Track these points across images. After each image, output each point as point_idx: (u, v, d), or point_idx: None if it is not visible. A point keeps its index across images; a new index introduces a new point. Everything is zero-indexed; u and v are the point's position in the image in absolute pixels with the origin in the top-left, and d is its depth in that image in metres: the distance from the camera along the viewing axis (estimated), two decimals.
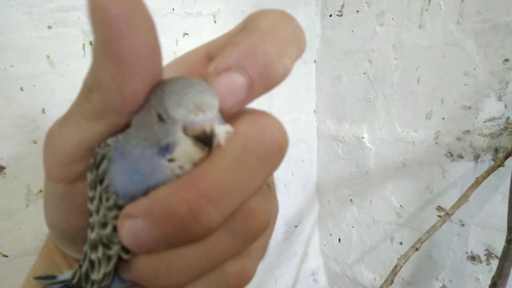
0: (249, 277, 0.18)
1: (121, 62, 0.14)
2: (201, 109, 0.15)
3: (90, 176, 0.17)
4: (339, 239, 1.05)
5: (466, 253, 0.80)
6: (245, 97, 0.16)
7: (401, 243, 0.92)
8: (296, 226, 1.02)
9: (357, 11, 0.87)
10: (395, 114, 0.86)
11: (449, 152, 0.79)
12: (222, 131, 0.15)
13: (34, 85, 0.48)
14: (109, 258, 0.17)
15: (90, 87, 0.15)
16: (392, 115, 0.86)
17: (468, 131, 0.75)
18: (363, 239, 0.99)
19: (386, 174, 0.90)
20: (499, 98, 0.70)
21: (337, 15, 0.91)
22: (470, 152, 0.76)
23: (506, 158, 0.66)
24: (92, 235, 0.17)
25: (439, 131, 0.79)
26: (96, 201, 0.17)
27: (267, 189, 0.19)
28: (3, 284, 0.49)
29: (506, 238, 0.64)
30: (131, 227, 0.15)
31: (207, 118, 0.15)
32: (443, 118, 0.78)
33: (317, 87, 1.00)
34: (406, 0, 0.79)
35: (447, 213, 0.67)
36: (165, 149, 0.15)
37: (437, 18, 0.75)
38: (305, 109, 0.99)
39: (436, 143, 0.80)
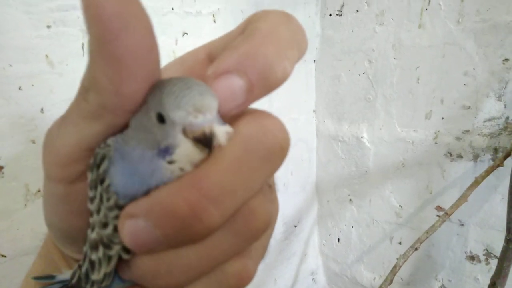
0: (249, 277, 0.18)
1: (117, 62, 0.14)
2: (200, 111, 0.15)
3: (90, 176, 0.17)
4: (339, 239, 1.05)
5: (465, 253, 0.80)
6: (244, 100, 0.16)
7: (400, 243, 0.92)
8: (295, 226, 1.02)
9: (357, 11, 0.87)
10: (395, 114, 0.86)
11: (448, 152, 0.79)
12: (222, 131, 0.15)
13: (33, 85, 0.48)
14: (109, 258, 0.17)
15: (87, 87, 0.15)
16: (391, 115, 0.86)
17: (467, 131, 0.75)
18: (363, 239, 0.99)
19: (385, 174, 0.90)
20: (499, 98, 0.70)
21: (337, 14, 0.91)
22: (469, 152, 0.76)
23: (505, 158, 0.66)
24: (93, 235, 0.17)
25: (438, 131, 0.79)
26: (96, 201, 0.17)
27: (268, 189, 0.19)
28: (2, 284, 0.48)
29: (505, 238, 0.64)
30: (132, 227, 0.15)
31: (207, 119, 0.15)
32: (443, 118, 0.78)
33: (317, 86, 1.00)
34: (406, 0, 0.79)
35: (446, 213, 0.67)
36: (165, 151, 0.15)
37: (437, 17, 0.75)
38: (304, 109, 0.99)
39: (436, 143, 0.80)
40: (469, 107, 0.74)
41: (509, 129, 0.70)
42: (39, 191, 0.50)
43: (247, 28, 0.17)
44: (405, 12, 0.80)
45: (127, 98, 0.15)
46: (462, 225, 0.79)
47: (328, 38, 0.94)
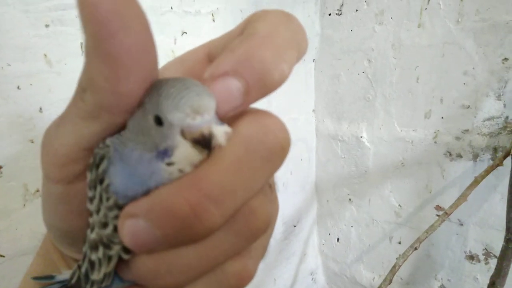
0: (249, 277, 0.18)
1: (113, 61, 0.13)
2: (198, 112, 0.15)
3: (89, 176, 0.17)
4: (338, 239, 1.05)
5: (465, 252, 0.80)
6: (242, 102, 0.16)
7: (399, 243, 0.92)
8: (294, 226, 1.02)
9: (356, 10, 0.87)
10: (394, 114, 0.86)
11: (448, 152, 0.79)
12: (220, 132, 0.15)
13: (31, 84, 0.48)
14: (109, 258, 0.17)
15: (84, 87, 0.15)
16: (391, 114, 0.86)
17: (467, 131, 0.75)
18: (362, 238, 0.99)
19: (385, 173, 0.90)
20: (498, 97, 0.70)
21: (336, 14, 0.91)
22: (469, 151, 0.76)
23: (505, 157, 0.66)
24: (92, 235, 0.17)
25: (438, 131, 0.79)
26: (96, 201, 0.16)
27: (269, 189, 0.18)
28: (0, 284, 0.48)
29: (505, 237, 0.64)
30: (132, 227, 0.15)
31: (205, 120, 0.15)
32: (442, 118, 0.78)
33: (316, 86, 1.00)
34: None
35: (445, 213, 0.67)
36: (164, 153, 0.15)
37: (437, 17, 0.75)
38: (304, 109, 0.99)
39: (435, 142, 0.80)
40: (469, 106, 0.74)
41: (508, 129, 0.70)
42: (37, 191, 0.50)
43: (246, 29, 0.17)
44: (405, 12, 0.79)
45: (124, 97, 0.15)
46: (462, 224, 0.79)
47: (328, 38, 0.94)
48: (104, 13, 0.13)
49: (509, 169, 0.64)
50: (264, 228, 0.17)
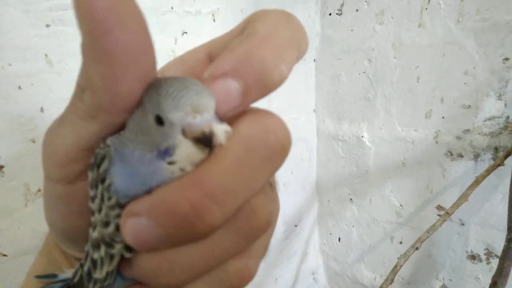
0: (250, 276, 0.18)
1: (110, 59, 0.13)
2: (198, 111, 0.15)
3: (91, 175, 0.17)
4: (339, 238, 1.05)
5: (466, 252, 0.80)
6: (241, 103, 0.16)
7: (401, 242, 0.92)
8: (296, 225, 1.02)
9: (357, 10, 0.87)
10: (395, 113, 0.86)
11: (449, 151, 0.78)
12: (221, 130, 0.15)
13: (32, 84, 0.48)
14: (111, 257, 0.17)
15: (81, 87, 0.15)
16: (391, 114, 0.86)
17: (468, 130, 0.75)
18: (363, 238, 0.99)
19: (385, 173, 0.90)
20: (499, 97, 0.70)
21: (336, 14, 0.91)
22: (470, 151, 0.76)
23: (506, 157, 0.66)
24: (94, 234, 0.17)
25: (439, 130, 0.79)
26: (97, 200, 0.17)
27: (270, 188, 0.19)
28: (2, 283, 0.48)
29: (506, 237, 0.64)
30: (134, 225, 0.15)
31: (205, 119, 0.15)
32: (443, 117, 0.78)
33: (317, 86, 1.00)
34: None
35: (447, 212, 0.67)
36: (165, 152, 0.15)
37: (437, 17, 0.75)
38: (304, 108, 0.99)
39: (436, 142, 0.80)
40: (470, 106, 0.74)
41: (509, 128, 0.70)
42: (39, 190, 0.50)
43: (246, 29, 0.17)
44: (405, 11, 0.79)
45: (122, 97, 0.15)
46: (463, 224, 0.79)
47: (328, 37, 0.94)
48: (100, 10, 0.12)
49: (510, 169, 0.64)
50: (265, 227, 0.17)
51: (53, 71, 0.50)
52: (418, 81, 0.80)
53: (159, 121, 0.15)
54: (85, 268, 0.18)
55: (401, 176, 0.88)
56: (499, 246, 0.68)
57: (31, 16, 0.46)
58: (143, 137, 0.15)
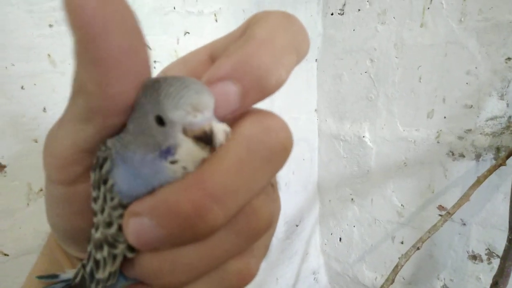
0: (251, 276, 0.18)
1: (100, 64, 0.13)
2: (198, 110, 0.15)
3: (93, 176, 0.17)
4: (340, 238, 1.05)
5: (467, 252, 0.80)
6: (239, 106, 0.16)
7: (402, 242, 0.92)
8: (297, 225, 1.02)
9: (359, 10, 0.87)
10: (397, 113, 0.86)
11: (450, 151, 0.78)
12: (220, 129, 0.15)
13: (35, 84, 0.48)
14: (114, 257, 0.17)
15: (75, 90, 0.15)
16: (393, 114, 0.86)
17: (469, 130, 0.75)
18: (364, 238, 0.99)
19: (387, 173, 0.90)
20: (501, 97, 0.70)
21: (338, 13, 0.91)
22: (471, 151, 0.75)
23: (507, 157, 0.66)
24: (97, 235, 0.17)
25: (440, 130, 0.79)
26: (100, 201, 0.17)
27: (271, 188, 0.19)
28: (4, 282, 0.49)
29: (508, 237, 0.64)
30: (136, 225, 0.15)
31: (205, 117, 0.15)
32: (445, 117, 0.78)
33: (318, 86, 1.00)
34: None
35: (448, 212, 0.67)
36: (167, 151, 0.15)
37: (439, 16, 0.75)
38: (306, 108, 0.99)
39: (438, 142, 0.80)
40: (471, 106, 0.74)
41: (511, 128, 0.70)
42: (41, 190, 0.50)
43: (246, 32, 0.17)
44: (407, 11, 0.79)
45: (115, 100, 0.15)
46: (464, 224, 0.79)
47: (330, 37, 0.94)
48: (88, 16, 0.12)
49: None
50: (266, 227, 0.17)
51: (56, 71, 0.50)
52: (420, 81, 0.80)
53: (160, 121, 0.15)
54: (88, 268, 0.18)
55: (402, 176, 0.88)
56: (500, 246, 0.68)
57: (35, 16, 0.46)
58: (144, 139, 0.15)
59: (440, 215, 0.81)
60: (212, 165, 0.15)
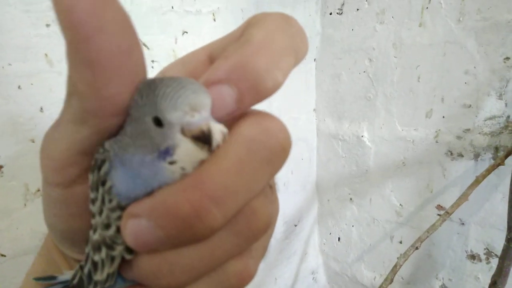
0: (250, 277, 0.18)
1: (92, 65, 0.13)
2: (196, 110, 0.15)
3: (91, 178, 0.17)
4: (339, 238, 1.05)
5: (466, 252, 0.80)
6: (235, 109, 0.16)
7: (400, 242, 0.92)
8: (295, 225, 1.02)
9: (357, 9, 0.87)
10: (395, 113, 0.86)
11: (449, 151, 0.78)
12: (217, 130, 0.15)
13: (32, 84, 0.48)
14: (112, 259, 0.17)
15: (70, 92, 0.15)
16: (392, 113, 0.86)
17: (468, 130, 0.75)
18: (363, 238, 0.99)
19: (386, 172, 0.90)
20: (500, 97, 0.70)
21: (337, 13, 0.91)
22: (470, 150, 0.76)
23: (506, 156, 0.66)
24: (95, 236, 0.17)
25: (439, 130, 0.79)
26: (98, 203, 0.17)
27: (269, 189, 0.19)
28: (1, 283, 0.48)
29: (506, 237, 0.64)
30: (135, 227, 0.15)
31: (203, 117, 0.15)
32: (443, 117, 0.78)
33: (317, 85, 1.00)
34: None
35: (447, 212, 0.67)
36: (165, 152, 0.15)
37: (438, 16, 0.75)
38: (304, 108, 0.99)
39: (436, 141, 0.80)
40: (470, 105, 0.74)
41: (510, 128, 0.70)
42: (38, 190, 0.50)
43: (243, 34, 0.17)
44: (406, 11, 0.79)
45: (109, 101, 0.14)
46: (463, 224, 0.79)
47: (329, 37, 0.94)
48: (79, 17, 0.12)
49: (511, 168, 0.64)
50: (264, 228, 0.17)
51: (53, 71, 0.49)
52: (419, 81, 0.80)
53: (158, 122, 0.15)
54: (85, 270, 0.18)
55: (401, 175, 0.88)
56: (499, 245, 0.68)
57: (32, 16, 0.46)
58: (142, 140, 0.15)
59: (438, 214, 0.82)
60: (211, 166, 0.15)
